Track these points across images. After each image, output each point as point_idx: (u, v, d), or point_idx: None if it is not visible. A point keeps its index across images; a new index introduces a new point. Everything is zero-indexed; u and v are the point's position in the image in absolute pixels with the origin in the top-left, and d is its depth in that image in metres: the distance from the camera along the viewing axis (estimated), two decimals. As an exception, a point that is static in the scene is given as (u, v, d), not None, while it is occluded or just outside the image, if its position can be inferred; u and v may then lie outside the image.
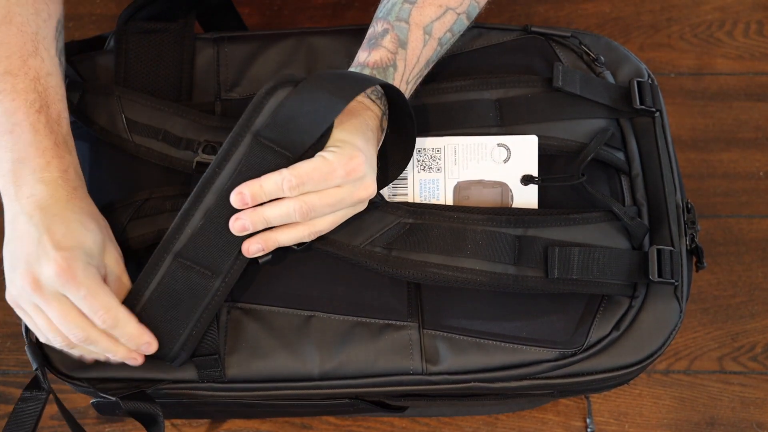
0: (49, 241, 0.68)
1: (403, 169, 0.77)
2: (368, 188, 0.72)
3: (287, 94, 0.70)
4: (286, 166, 0.70)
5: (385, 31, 0.76)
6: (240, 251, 0.72)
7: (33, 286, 0.68)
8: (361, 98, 0.74)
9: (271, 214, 0.70)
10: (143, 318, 0.72)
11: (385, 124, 0.76)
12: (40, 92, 0.72)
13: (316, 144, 0.70)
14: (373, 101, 0.74)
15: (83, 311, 0.69)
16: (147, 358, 0.74)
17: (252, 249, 0.72)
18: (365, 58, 0.75)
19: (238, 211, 0.70)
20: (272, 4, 1.20)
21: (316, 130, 0.70)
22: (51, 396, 0.74)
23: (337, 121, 0.71)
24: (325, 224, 0.72)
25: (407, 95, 0.77)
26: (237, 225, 0.70)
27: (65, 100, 0.75)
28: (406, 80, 0.76)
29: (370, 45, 0.76)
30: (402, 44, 0.76)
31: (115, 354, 0.72)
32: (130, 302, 0.72)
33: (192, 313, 0.73)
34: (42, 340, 0.73)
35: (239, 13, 0.99)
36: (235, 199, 0.70)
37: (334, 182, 0.70)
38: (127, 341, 0.71)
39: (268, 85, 0.71)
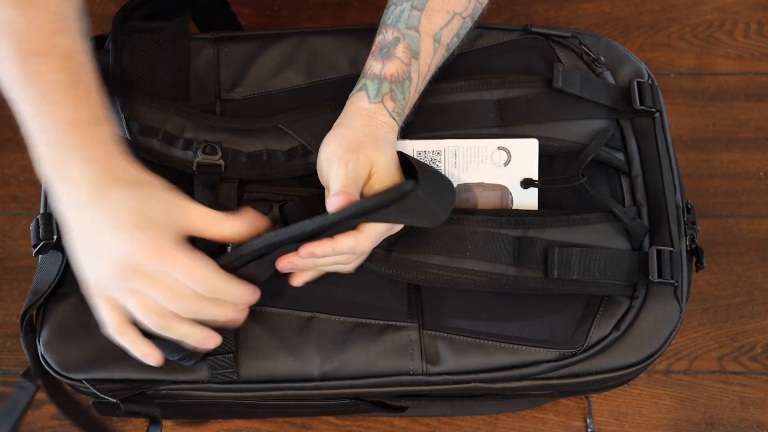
0: (127, 223, 0.66)
1: None
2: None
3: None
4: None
5: (396, 40, 0.76)
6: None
7: (128, 271, 0.66)
8: (386, 119, 0.74)
9: (324, 263, 0.72)
10: None
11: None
12: (71, 69, 0.70)
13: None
14: (393, 118, 0.75)
15: (186, 283, 0.67)
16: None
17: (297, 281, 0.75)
18: (381, 70, 0.75)
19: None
20: (272, 4, 1.20)
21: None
22: (48, 397, 0.75)
23: (384, 159, 0.72)
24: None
25: (414, 102, 0.78)
26: (286, 267, 0.71)
27: (96, 74, 0.72)
28: (419, 90, 0.77)
29: (383, 55, 0.76)
30: (415, 55, 0.76)
31: (225, 317, 0.70)
32: None
33: None
34: (116, 333, 0.70)
35: (235, 12, 0.98)
36: (305, 253, 0.69)
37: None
38: (234, 300, 0.70)
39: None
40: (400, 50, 0.75)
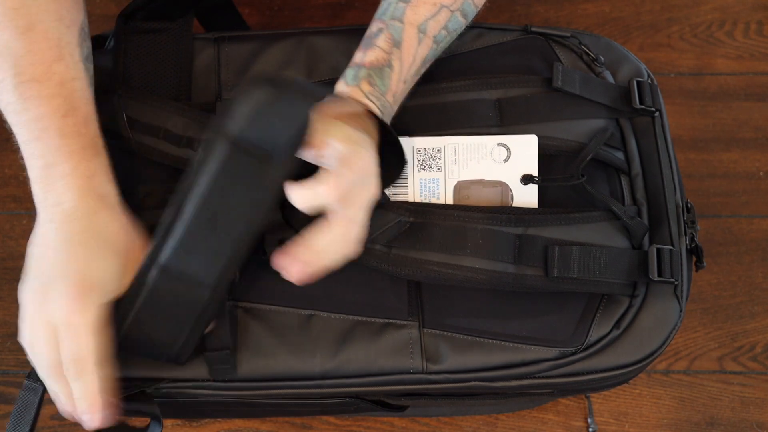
0: (70, 273, 0.68)
1: (398, 176, 0.78)
2: (376, 187, 0.72)
3: (262, 96, 0.66)
4: (266, 170, 0.67)
5: (380, 31, 0.76)
6: (226, 264, 0.70)
7: (39, 307, 0.69)
8: (361, 98, 0.74)
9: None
10: (136, 327, 0.71)
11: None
12: (65, 96, 0.72)
13: (298, 143, 0.68)
14: (370, 101, 0.74)
15: (68, 346, 0.69)
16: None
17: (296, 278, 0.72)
18: (361, 59, 0.76)
19: (221, 222, 0.68)
20: (272, 4, 1.20)
21: (294, 128, 0.66)
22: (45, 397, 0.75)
23: (336, 119, 0.71)
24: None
25: (404, 94, 0.77)
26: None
27: (92, 103, 0.75)
28: (403, 80, 0.77)
29: (366, 45, 0.76)
30: (396, 43, 0.76)
31: (62, 403, 0.72)
32: (120, 313, 0.71)
33: (185, 324, 0.72)
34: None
35: (240, 12, 0.99)
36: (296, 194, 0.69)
37: (352, 178, 0.69)
38: (78, 398, 0.71)
39: (240, 88, 0.70)
40: (381, 40, 0.76)
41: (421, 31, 0.77)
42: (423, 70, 0.79)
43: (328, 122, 0.69)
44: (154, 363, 0.75)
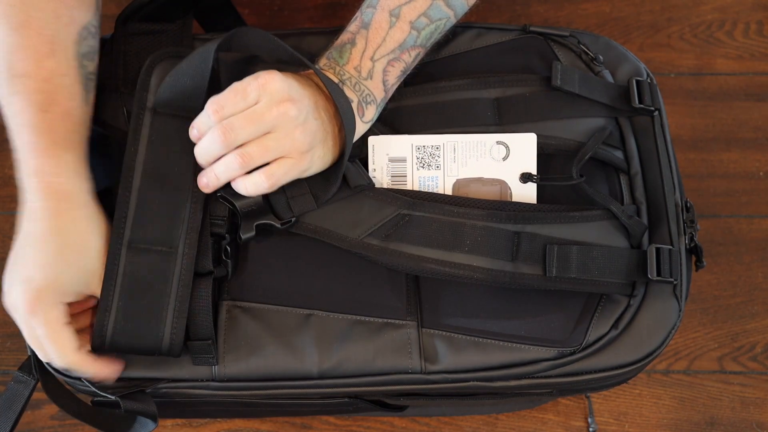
0: (23, 273, 0.70)
1: (351, 127, 0.77)
2: (295, 108, 0.72)
3: (165, 65, 0.77)
4: (190, 123, 0.74)
5: (354, 18, 0.79)
6: (188, 219, 0.74)
7: (10, 307, 0.72)
8: (314, 69, 0.75)
9: (200, 147, 0.73)
10: (121, 315, 0.73)
11: (368, 114, 0.77)
12: (48, 92, 0.73)
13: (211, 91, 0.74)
14: (325, 70, 0.76)
15: (45, 348, 0.72)
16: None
17: (201, 184, 0.75)
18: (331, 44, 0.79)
19: (168, 181, 0.75)
20: (272, 5, 1.20)
21: (201, 81, 0.74)
22: (47, 394, 0.75)
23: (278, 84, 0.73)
24: (256, 150, 0.72)
25: (382, 74, 0.78)
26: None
27: (80, 99, 0.76)
28: (369, 57, 0.77)
29: (341, 33, 0.79)
30: (365, 25, 0.78)
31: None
32: (103, 303, 0.73)
33: (165, 295, 0.74)
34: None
35: (239, 13, 0.99)
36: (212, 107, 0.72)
37: (251, 96, 0.71)
38: (88, 378, 0.74)
39: (145, 64, 0.78)
40: (352, 25, 0.79)
41: (394, 15, 0.78)
42: (409, 58, 0.79)
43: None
44: (153, 362, 0.76)
